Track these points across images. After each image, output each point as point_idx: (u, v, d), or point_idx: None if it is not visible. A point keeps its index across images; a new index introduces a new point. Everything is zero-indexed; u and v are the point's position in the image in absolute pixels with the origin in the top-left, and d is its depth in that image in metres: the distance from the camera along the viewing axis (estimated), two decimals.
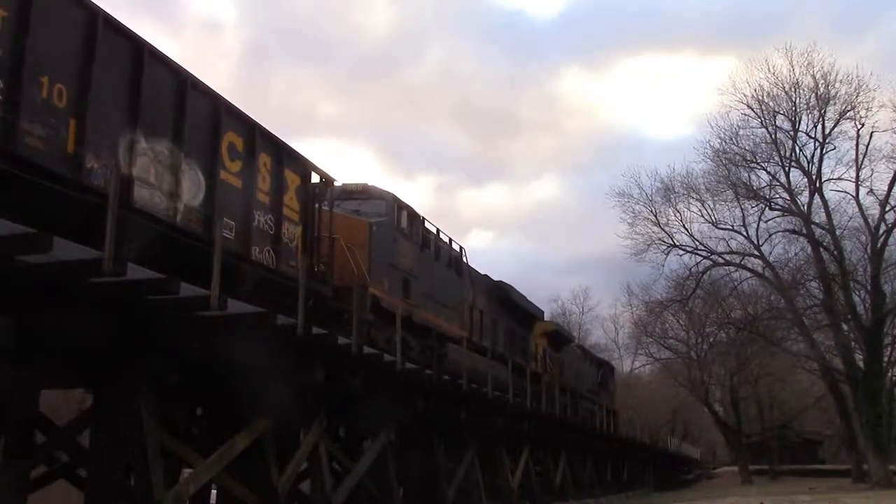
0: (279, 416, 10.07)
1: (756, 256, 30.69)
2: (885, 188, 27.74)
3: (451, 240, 17.69)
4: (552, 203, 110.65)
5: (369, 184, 15.05)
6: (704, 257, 31.35)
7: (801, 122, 29.29)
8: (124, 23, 7.90)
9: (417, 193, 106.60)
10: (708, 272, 31.67)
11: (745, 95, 29.59)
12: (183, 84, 8.75)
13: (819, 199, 29.13)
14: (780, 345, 32.06)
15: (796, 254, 30.98)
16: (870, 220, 28.42)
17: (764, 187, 29.88)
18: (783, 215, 30.17)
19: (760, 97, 29.46)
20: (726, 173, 29.86)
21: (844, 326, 29.02)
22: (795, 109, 29.09)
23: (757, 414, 48.79)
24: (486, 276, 20.63)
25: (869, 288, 28.40)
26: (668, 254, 31.28)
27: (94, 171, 7.41)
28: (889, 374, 30.35)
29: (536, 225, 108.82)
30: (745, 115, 29.76)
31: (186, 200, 8.65)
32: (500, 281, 21.80)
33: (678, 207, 31.20)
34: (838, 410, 33.43)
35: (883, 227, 28.08)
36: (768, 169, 29.84)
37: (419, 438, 15.12)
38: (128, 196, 7.69)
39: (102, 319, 7.31)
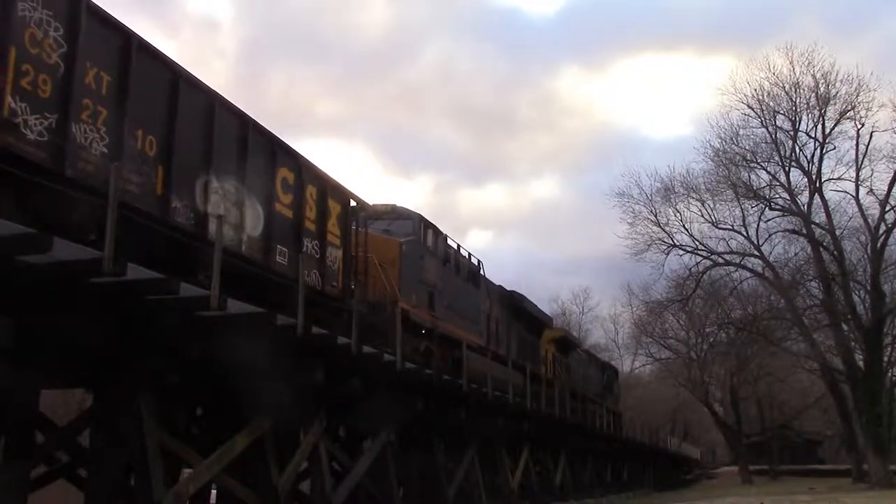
0: (279, 416, 10.07)
1: (756, 256, 30.70)
2: (885, 188, 27.77)
3: (469, 254, 18.89)
4: (551, 202, 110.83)
5: (397, 204, 16.25)
6: (704, 257, 31.37)
7: (802, 121, 29.33)
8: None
9: (416, 193, 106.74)
10: (708, 272, 31.68)
11: (745, 95, 29.64)
12: (246, 127, 9.88)
13: (819, 199, 29.16)
14: (780, 345, 32.07)
15: (796, 254, 31.05)
16: (870, 220, 28.44)
17: (764, 187, 29.90)
18: (783, 215, 30.19)
19: (761, 97, 29.50)
20: (726, 173, 29.88)
21: (844, 326, 29.02)
22: (795, 109, 29.12)
23: (757, 414, 48.81)
24: (499, 286, 21.72)
25: (869, 288, 28.39)
26: (668, 254, 31.30)
27: (177, 211, 8.49)
28: (889, 374, 30.37)
29: (536, 224, 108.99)
30: (746, 114, 29.81)
31: (249, 231, 9.71)
32: (513, 291, 22.99)
33: (678, 207, 31.21)
34: (838, 410, 33.44)
35: (883, 227, 28.09)
36: (768, 169, 29.88)
37: (419, 438, 15.12)
38: (203, 231, 8.77)
39: (102, 319, 7.32)
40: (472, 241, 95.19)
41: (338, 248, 11.92)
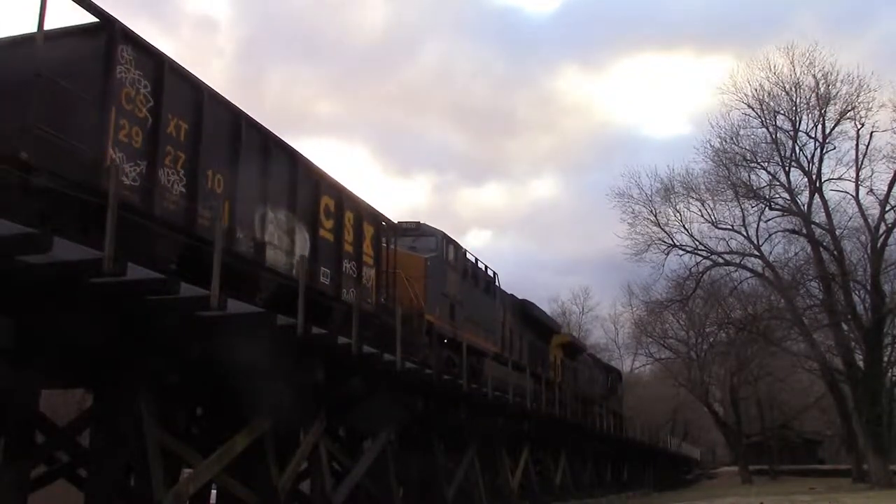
0: (279, 416, 10.07)
1: (756, 256, 30.66)
2: (885, 188, 27.69)
3: (486, 267, 20.26)
4: (551, 202, 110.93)
5: (421, 222, 17.68)
6: (704, 257, 31.32)
7: (802, 121, 29.25)
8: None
9: (415, 192, 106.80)
10: (708, 272, 31.63)
11: (745, 95, 29.55)
12: (295, 161, 10.96)
13: (819, 199, 29.10)
14: (780, 345, 32.03)
15: (796, 254, 30.97)
16: (870, 220, 28.38)
17: (764, 187, 29.85)
18: (783, 215, 30.14)
19: (761, 97, 29.42)
20: (726, 173, 29.81)
21: (844, 326, 28.98)
22: (796, 109, 29.06)
23: (757, 414, 48.78)
24: (511, 295, 23.09)
25: (869, 288, 28.34)
26: (668, 254, 31.26)
27: (240, 241, 9.51)
28: (889, 374, 30.33)
29: (535, 224, 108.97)
30: (746, 114, 29.73)
31: (298, 256, 10.68)
32: (524, 299, 24.49)
33: (678, 207, 31.15)
34: (838, 410, 33.42)
35: (883, 227, 28.04)
36: (768, 169, 29.80)
37: (419, 438, 15.12)
38: (262, 257, 9.81)
39: (102, 319, 7.32)
40: (472, 241, 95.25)
41: (371, 268, 13.14)
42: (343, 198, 12.26)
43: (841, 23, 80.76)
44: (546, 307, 35.90)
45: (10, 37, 7.98)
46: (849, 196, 28.91)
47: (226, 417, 10.28)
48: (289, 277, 10.22)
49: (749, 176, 29.91)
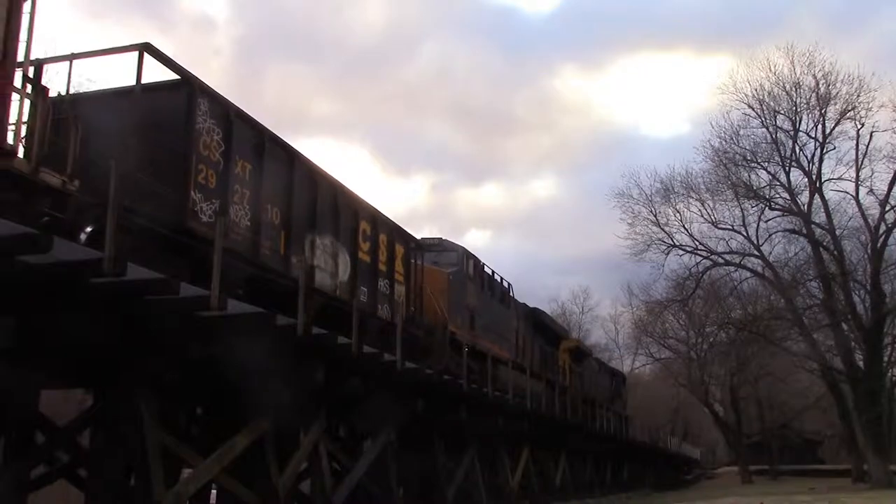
0: (279, 416, 10.06)
1: (756, 256, 30.66)
2: (885, 188, 27.69)
3: (501, 278, 21.62)
4: (550, 202, 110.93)
5: (443, 238, 19.23)
6: (704, 257, 31.31)
7: (802, 121, 29.26)
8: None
9: (413, 192, 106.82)
10: (708, 272, 31.63)
11: (745, 95, 29.56)
12: (337, 192, 12.15)
13: (819, 199, 29.10)
14: (780, 345, 32.03)
15: (796, 254, 30.97)
16: (870, 220, 28.39)
17: (764, 187, 29.84)
18: (783, 215, 30.14)
19: (761, 97, 29.43)
20: (726, 173, 29.82)
21: (844, 326, 28.99)
22: (796, 109, 29.05)
23: (757, 414, 48.79)
24: (523, 304, 24.34)
25: (869, 288, 28.36)
26: (667, 254, 31.26)
27: (294, 266, 10.48)
28: (889, 374, 30.37)
29: (534, 224, 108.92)
30: (746, 114, 29.74)
31: (340, 277, 11.94)
32: (535, 308, 26.00)
33: (678, 207, 31.16)
34: (838, 410, 33.44)
35: (883, 227, 28.04)
36: (768, 169, 29.80)
37: (419, 438, 15.11)
38: (312, 280, 10.51)
39: (103, 320, 7.30)
40: (471, 241, 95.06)
41: (402, 285, 14.23)
42: (378, 222, 13.41)
43: (840, 22, 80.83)
44: (546, 307, 36.16)
45: (112, 88, 9.03)
46: (849, 196, 28.98)
47: (226, 417, 10.27)
48: (333, 297, 11.46)
49: (749, 176, 29.97)
